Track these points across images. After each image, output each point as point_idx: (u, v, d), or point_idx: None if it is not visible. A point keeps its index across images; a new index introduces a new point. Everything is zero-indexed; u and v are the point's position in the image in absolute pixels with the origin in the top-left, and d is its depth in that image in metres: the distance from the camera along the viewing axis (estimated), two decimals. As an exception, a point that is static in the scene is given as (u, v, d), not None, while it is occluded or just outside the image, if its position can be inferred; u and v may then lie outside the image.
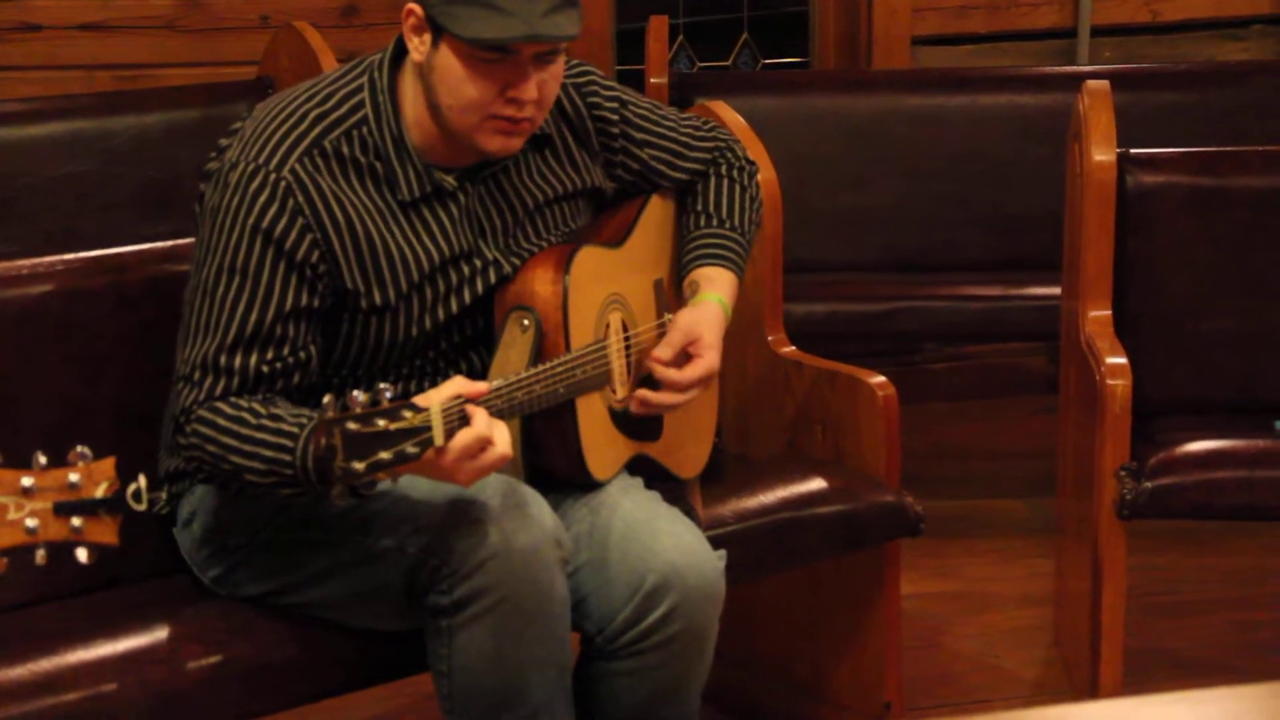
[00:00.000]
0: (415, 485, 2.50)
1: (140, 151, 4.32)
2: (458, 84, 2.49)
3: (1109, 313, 3.42)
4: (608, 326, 2.70)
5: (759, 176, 3.26)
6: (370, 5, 4.87)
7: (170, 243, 2.88)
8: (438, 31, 2.47)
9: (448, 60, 2.48)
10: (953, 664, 3.66)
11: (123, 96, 4.48)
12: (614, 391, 2.71)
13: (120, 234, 3.49)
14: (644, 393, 2.72)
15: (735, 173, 2.91)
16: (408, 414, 2.26)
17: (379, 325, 2.56)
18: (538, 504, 2.52)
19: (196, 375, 2.47)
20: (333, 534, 2.54)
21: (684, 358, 2.73)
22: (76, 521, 1.85)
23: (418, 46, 2.51)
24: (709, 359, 2.72)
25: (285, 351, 2.48)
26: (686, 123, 2.89)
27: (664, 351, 2.72)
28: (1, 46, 4.69)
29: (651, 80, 4.59)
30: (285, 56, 4.37)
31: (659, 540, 2.59)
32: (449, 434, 2.31)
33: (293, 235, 2.47)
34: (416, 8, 2.49)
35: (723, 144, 2.92)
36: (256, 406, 2.43)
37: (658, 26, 4.68)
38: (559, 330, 2.58)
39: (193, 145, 4.26)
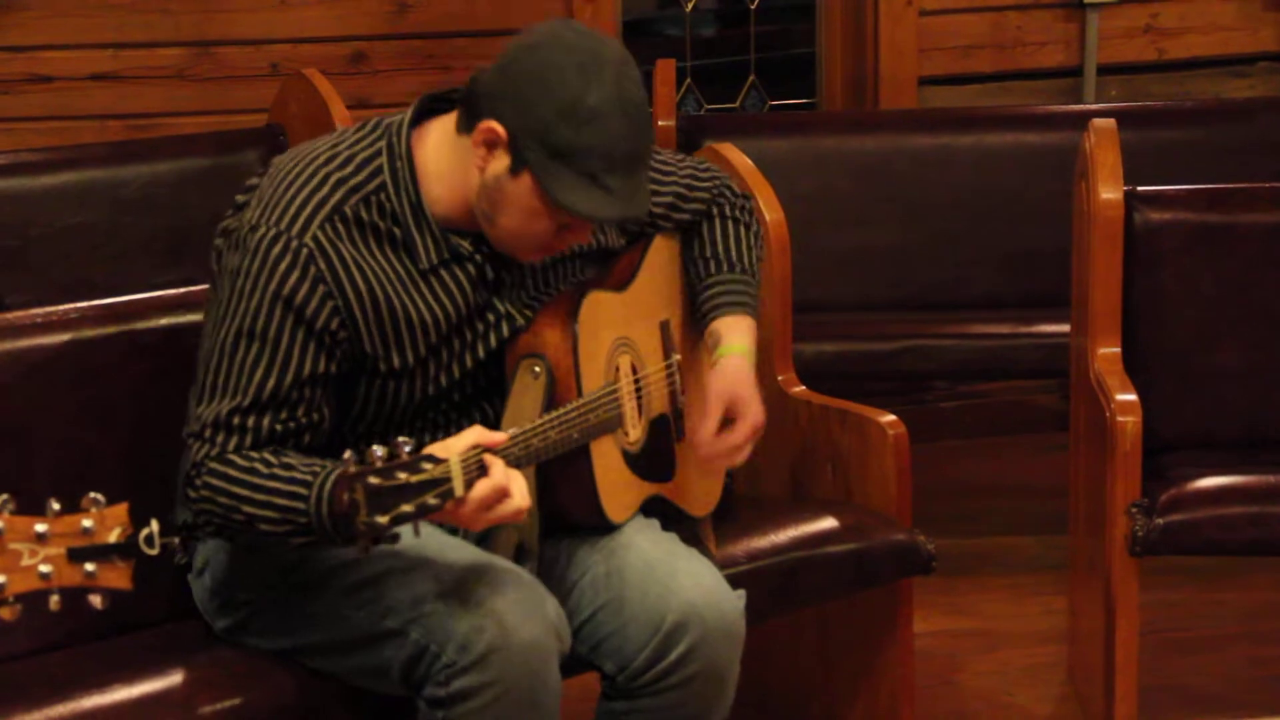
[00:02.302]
0: (426, 558, 2.51)
1: (151, 200, 4.34)
2: (525, 218, 2.49)
3: (1118, 349, 3.42)
4: (617, 370, 2.71)
5: (769, 219, 3.28)
6: (379, 52, 4.90)
7: (182, 290, 2.89)
8: (522, 165, 2.45)
9: (523, 194, 2.47)
10: (967, 702, 3.65)
11: (134, 146, 4.50)
12: (626, 434, 2.72)
13: (132, 282, 3.50)
14: (705, 454, 2.74)
15: (736, 212, 2.92)
16: (427, 466, 2.27)
17: (396, 387, 2.57)
18: (541, 594, 2.52)
19: (208, 433, 2.48)
20: (339, 608, 2.55)
21: (727, 423, 2.75)
22: (90, 567, 1.86)
23: (484, 158, 2.47)
24: (752, 413, 2.76)
25: (299, 413, 2.49)
26: (685, 165, 2.90)
27: (708, 425, 2.74)
28: (14, 98, 4.72)
29: (659, 123, 4.61)
30: (295, 104, 4.39)
31: (677, 580, 2.60)
32: (468, 484, 2.32)
33: (314, 303, 2.47)
34: (501, 131, 2.44)
35: (719, 182, 2.93)
36: (268, 456, 2.44)
37: (665, 70, 4.70)
38: (570, 375, 2.59)
39: (204, 193, 4.29)
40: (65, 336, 2.78)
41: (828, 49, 5.22)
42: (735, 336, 2.82)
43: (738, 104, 5.32)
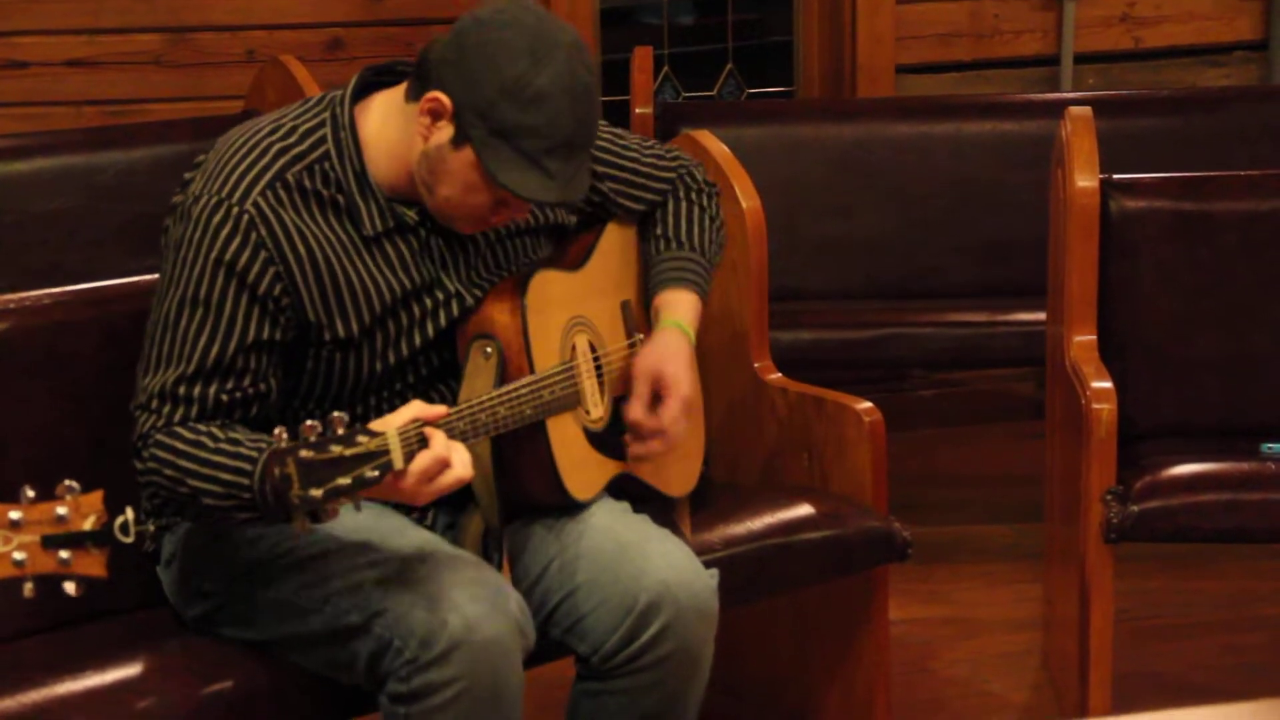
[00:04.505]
0: (390, 553, 2.51)
1: (127, 186, 4.32)
2: (464, 190, 2.50)
3: (1094, 337, 3.43)
4: (574, 349, 2.71)
5: (746, 206, 3.27)
6: (355, 39, 4.89)
7: (156, 276, 2.88)
8: (464, 138, 2.46)
9: (463, 167, 2.48)
10: (942, 689, 3.66)
11: (109, 132, 4.49)
12: (587, 412, 2.72)
13: (106, 268, 3.49)
14: (635, 448, 2.74)
15: (695, 195, 2.92)
16: (363, 439, 2.26)
17: (343, 360, 2.57)
18: (504, 590, 2.52)
19: (154, 404, 2.47)
20: (302, 603, 2.54)
21: (656, 399, 2.74)
22: (64, 554, 1.85)
23: (429, 127, 2.48)
24: (679, 390, 2.73)
25: (245, 382, 2.49)
26: (649, 151, 2.89)
27: (635, 406, 2.73)
28: (-11, 83, 4.71)
29: (637, 111, 4.61)
30: (271, 90, 4.39)
31: (650, 560, 2.60)
32: (408, 457, 2.31)
33: (255, 268, 2.47)
34: (447, 102, 2.45)
35: (683, 169, 2.93)
36: (215, 430, 2.44)
37: (642, 57, 4.69)
38: (521, 354, 2.59)
39: (179, 180, 4.26)
40: (38, 322, 2.77)
41: (805, 37, 5.22)
42: (672, 311, 2.81)
43: (715, 92, 5.32)
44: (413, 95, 2.52)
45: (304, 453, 2.22)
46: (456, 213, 2.55)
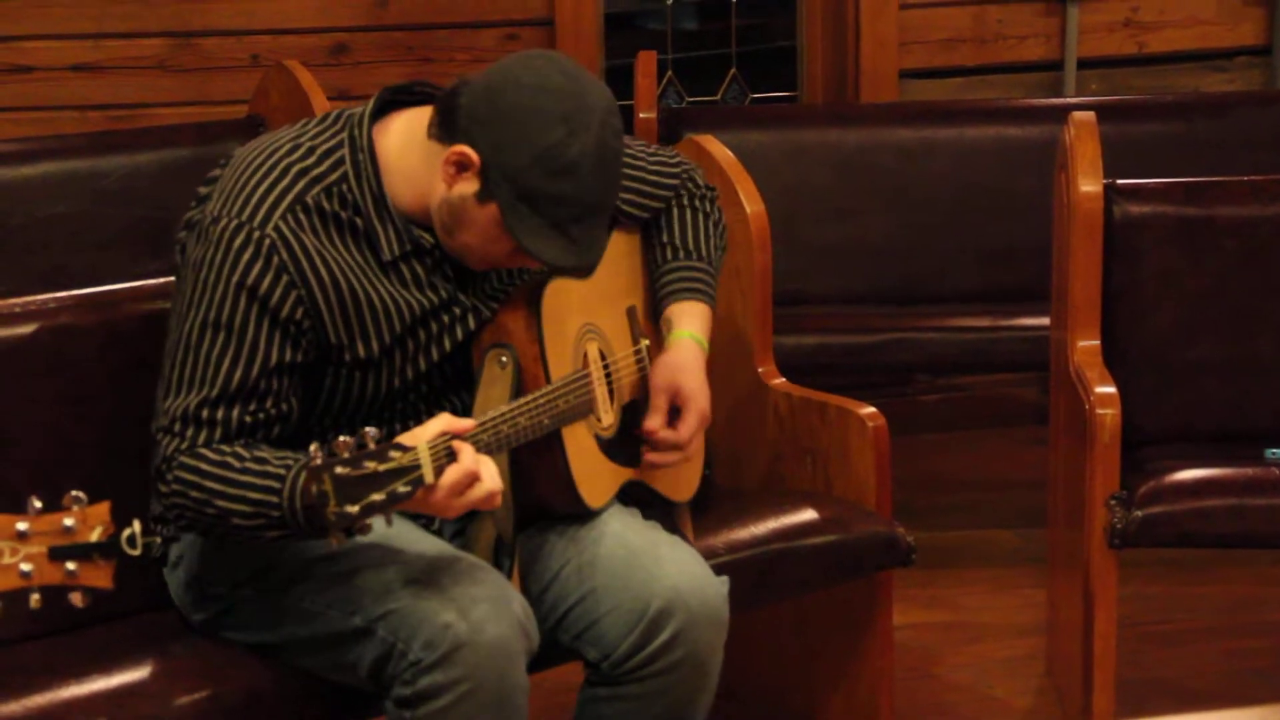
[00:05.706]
0: (395, 556, 2.51)
1: (132, 191, 4.33)
2: (484, 240, 2.50)
3: (1097, 342, 3.43)
4: (585, 356, 2.72)
5: (750, 211, 3.28)
6: (360, 44, 4.89)
7: (161, 280, 2.89)
8: (489, 196, 2.45)
9: (486, 221, 2.48)
10: (946, 694, 3.66)
11: (114, 136, 4.49)
12: (599, 420, 2.73)
13: (112, 273, 3.49)
14: (651, 456, 2.76)
15: (698, 201, 2.93)
16: (395, 454, 2.27)
17: (362, 378, 2.57)
18: (508, 593, 2.52)
19: (177, 427, 2.47)
20: (308, 605, 2.55)
21: (674, 412, 2.76)
22: (71, 566, 1.85)
23: (453, 177, 2.47)
24: (697, 404, 2.77)
25: (268, 404, 2.49)
26: (654, 158, 2.90)
27: (654, 419, 2.76)
28: (-6, 88, 4.72)
29: (640, 115, 4.61)
30: (276, 95, 4.39)
31: (661, 566, 2.61)
32: (438, 471, 2.32)
33: (277, 292, 2.47)
34: (475, 159, 2.44)
35: (686, 174, 2.94)
36: (240, 450, 2.44)
37: (646, 62, 4.70)
38: (537, 363, 2.60)
39: (184, 184, 4.22)
40: (44, 326, 2.78)
41: (809, 42, 5.23)
42: (686, 322, 2.84)
43: (719, 97, 5.32)
44: (438, 137, 2.50)
45: (339, 469, 2.23)
46: (473, 256, 2.55)
